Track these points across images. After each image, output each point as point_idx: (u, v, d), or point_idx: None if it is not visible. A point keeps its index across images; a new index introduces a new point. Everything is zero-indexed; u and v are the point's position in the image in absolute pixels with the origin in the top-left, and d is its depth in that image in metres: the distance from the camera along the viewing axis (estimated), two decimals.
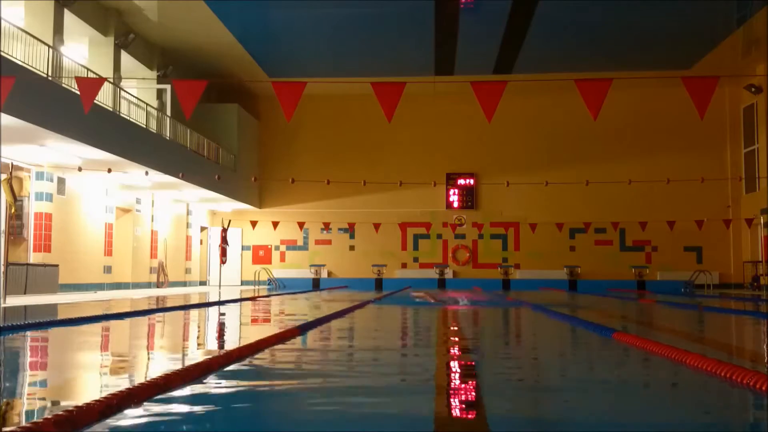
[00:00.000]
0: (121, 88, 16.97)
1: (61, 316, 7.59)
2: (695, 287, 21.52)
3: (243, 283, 25.73)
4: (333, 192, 24.48)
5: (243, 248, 26.06)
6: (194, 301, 12.02)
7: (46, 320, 6.59)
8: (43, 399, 2.87)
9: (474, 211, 25.58)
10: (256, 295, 14.31)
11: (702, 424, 2.43)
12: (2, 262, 10.46)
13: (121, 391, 2.43)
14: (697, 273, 22.20)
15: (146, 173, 16.89)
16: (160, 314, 7.94)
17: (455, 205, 25.61)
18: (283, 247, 26.17)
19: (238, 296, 13.37)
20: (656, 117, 25.02)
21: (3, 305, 9.26)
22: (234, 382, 3.18)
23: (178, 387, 2.80)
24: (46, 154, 14.44)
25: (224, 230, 20.51)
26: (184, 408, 2.54)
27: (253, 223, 24.45)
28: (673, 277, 23.67)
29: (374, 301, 11.07)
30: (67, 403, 2.44)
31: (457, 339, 5.13)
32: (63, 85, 13.50)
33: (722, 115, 24.52)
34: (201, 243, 25.30)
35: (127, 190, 19.42)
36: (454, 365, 3.73)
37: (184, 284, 23.16)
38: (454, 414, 2.46)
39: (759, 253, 22.07)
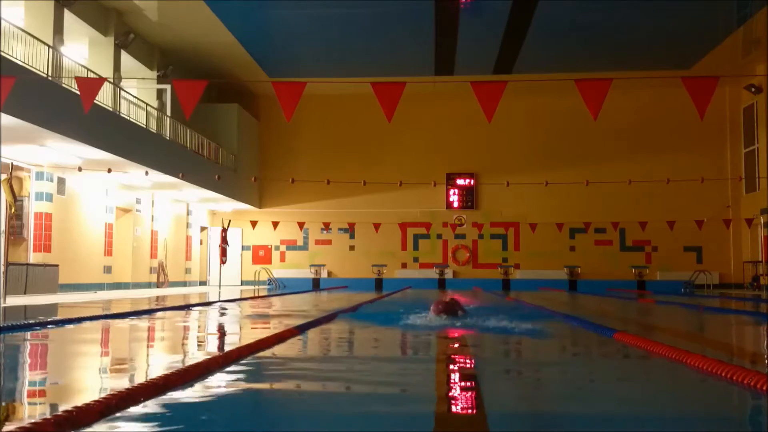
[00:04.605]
0: (121, 88, 16.97)
1: (61, 316, 7.59)
2: (695, 287, 21.51)
3: (243, 283, 25.72)
4: (333, 192, 24.47)
5: (243, 248, 26.05)
6: (194, 301, 12.01)
7: (46, 320, 6.59)
8: (43, 399, 2.87)
9: (474, 211, 25.57)
10: (255, 295, 14.31)
11: (702, 424, 2.42)
12: (2, 262, 10.46)
13: (120, 391, 2.43)
14: (697, 273, 22.18)
15: (146, 173, 16.89)
16: (160, 314, 7.93)
17: (455, 205, 25.60)
18: (283, 247, 26.16)
19: (234, 296, 13.37)
20: (656, 117, 25.02)
21: (3, 305, 9.25)
22: (233, 382, 3.18)
23: (177, 387, 2.79)
24: (46, 154, 14.44)
25: (224, 230, 20.50)
26: (183, 408, 2.54)
27: (253, 223, 24.44)
28: (673, 277, 23.66)
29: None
30: (67, 403, 2.44)
31: None
32: (63, 85, 13.50)
33: (722, 115, 24.51)
34: (201, 243, 25.30)
35: (127, 190, 19.41)
36: None
37: (184, 284, 23.15)
38: None
39: (759, 253, 22.06)
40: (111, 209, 18.59)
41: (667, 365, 3.68)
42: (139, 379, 3.22)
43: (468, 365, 3.84)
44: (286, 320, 7.01)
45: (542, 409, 2.68)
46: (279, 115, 19.98)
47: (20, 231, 15.40)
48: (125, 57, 18.55)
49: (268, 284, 23.95)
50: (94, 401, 2.26)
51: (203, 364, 3.32)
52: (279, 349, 4.32)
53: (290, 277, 25.14)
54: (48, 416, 2.04)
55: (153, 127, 18.59)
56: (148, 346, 4.99)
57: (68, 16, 15.74)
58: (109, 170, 16.02)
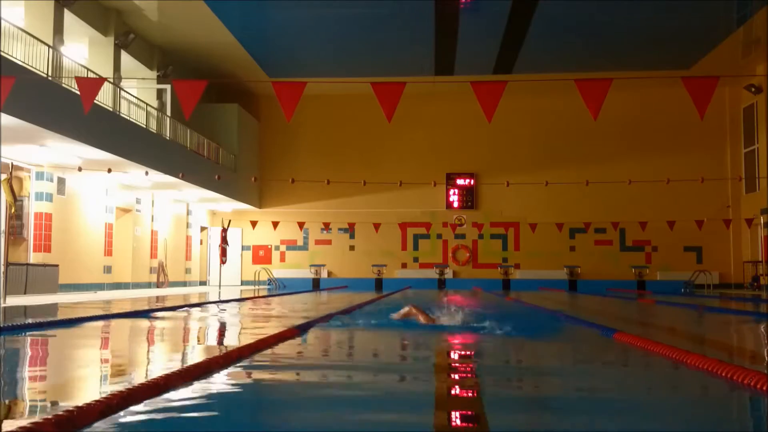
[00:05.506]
0: (121, 88, 16.96)
1: (61, 316, 7.59)
2: (695, 287, 21.51)
3: (243, 283, 25.71)
4: (333, 192, 24.47)
5: (243, 248, 26.04)
6: (194, 301, 12.01)
7: (46, 320, 6.59)
8: (43, 399, 2.87)
9: (474, 211, 25.57)
10: (255, 295, 14.31)
11: (702, 424, 2.42)
12: (2, 262, 10.46)
13: (121, 391, 2.43)
14: (697, 273, 22.18)
15: (146, 173, 16.89)
16: (160, 314, 7.93)
17: (455, 205, 25.60)
18: (283, 247, 26.16)
19: (234, 296, 13.37)
20: (656, 117, 25.02)
21: (3, 305, 9.25)
22: (234, 382, 3.18)
23: (177, 387, 2.79)
24: (46, 154, 14.44)
25: (224, 230, 20.50)
26: (183, 408, 2.54)
27: (253, 223, 24.44)
28: (673, 277, 23.66)
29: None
30: (67, 403, 2.43)
31: None
32: (63, 85, 13.49)
33: (722, 115, 24.51)
34: (201, 243, 25.29)
35: (127, 190, 19.41)
36: None
37: (184, 284, 23.15)
38: None
39: (759, 253, 22.06)
40: (111, 209, 18.58)
41: (667, 365, 3.69)
42: (140, 379, 3.22)
43: (468, 366, 3.84)
44: (287, 320, 7.01)
45: (542, 410, 2.68)
46: (279, 115, 19.98)
47: (20, 231, 15.40)
48: (125, 57, 18.55)
49: (268, 284, 23.95)
50: (95, 401, 2.26)
51: (203, 364, 3.32)
52: (279, 349, 4.32)
53: (290, 277, 25.14)
54: (48, 416, 2.04)
55: (153, 127, 18.58)
56: (148, 346, 4.99)
57: (68, 16, 15.73)
58: (109, 170, 16.02)
